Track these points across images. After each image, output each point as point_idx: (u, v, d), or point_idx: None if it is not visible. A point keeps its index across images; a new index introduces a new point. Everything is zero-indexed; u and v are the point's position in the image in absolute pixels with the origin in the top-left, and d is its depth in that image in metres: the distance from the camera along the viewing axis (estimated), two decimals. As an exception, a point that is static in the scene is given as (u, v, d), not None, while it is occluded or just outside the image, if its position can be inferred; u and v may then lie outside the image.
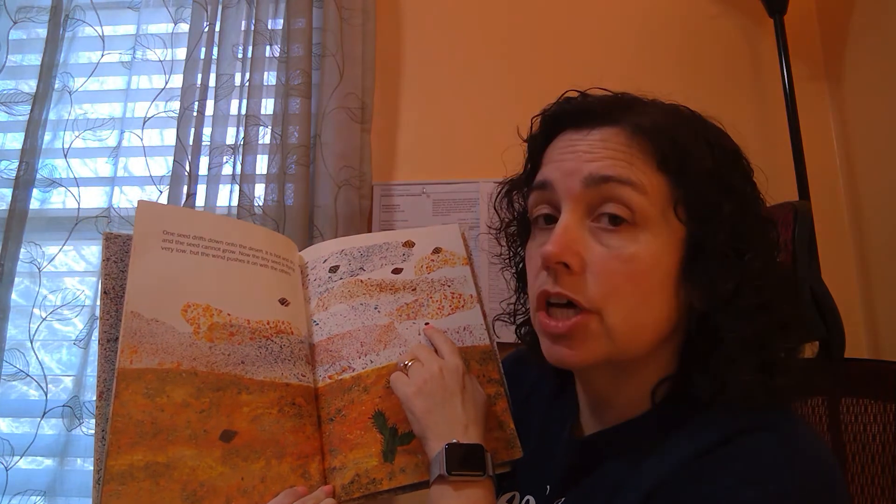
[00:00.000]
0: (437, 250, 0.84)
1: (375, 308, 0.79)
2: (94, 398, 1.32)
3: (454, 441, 0.62)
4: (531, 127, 0.65)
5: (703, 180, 0.54)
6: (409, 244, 0.84)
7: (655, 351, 0.58)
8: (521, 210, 0.68)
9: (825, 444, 0.54)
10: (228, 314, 0.70)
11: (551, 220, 0.59)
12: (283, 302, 0.76)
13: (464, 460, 0.61)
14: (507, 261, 0.74)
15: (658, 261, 0.54)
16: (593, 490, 0.59)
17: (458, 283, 0.82)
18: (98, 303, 1.39)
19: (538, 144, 0.63)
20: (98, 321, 0.66)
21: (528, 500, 0.66)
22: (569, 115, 0.60)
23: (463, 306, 0.80)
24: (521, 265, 0.71)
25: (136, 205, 0.70)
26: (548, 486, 0.64)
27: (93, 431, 1.32)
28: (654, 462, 0.54)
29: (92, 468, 0.60)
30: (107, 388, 0.63)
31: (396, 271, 0.82)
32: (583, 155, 0.56)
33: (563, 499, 0.61)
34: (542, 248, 0.56)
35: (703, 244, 0.54)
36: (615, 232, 0.55)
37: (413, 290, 0.81)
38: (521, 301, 0.73)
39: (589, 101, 0.60)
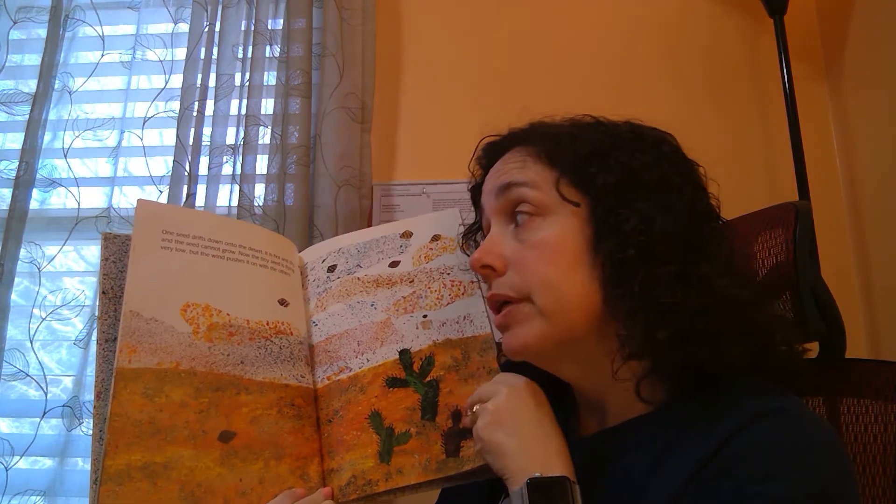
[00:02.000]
0: (435, 238, 0.81)
1: (372, 305, 0.77)
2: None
3: (536, 475, 0.55)
4: (472, 176, 0.76)
5: (580, 160, 0.62)
6: (406, 235, 0.82)
7: (607, 334, 0.60)
8: None
9: (825, 421, 0.60)
10: (228, 314, 0.70)
11: None
12: (282, 303, 0.75)
13: (547, 498, 0.55)
14: None
15: (565, 240, 0.61)
16: (608, 492, 0.59)
17: (457, 269, 0.79)
18: (98, 302, 1.39)
19: (477, 189, 0.74)
20: (97, 321, 0.66)
21: None
22: (489, 157, 0.72)
23: (463, 294, 0.77)
24: None
25: (135, 205, 0.70)
26: None
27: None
28: (672, 460, 0.54)
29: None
30: (105, 387, 0.63)
31: (394, 264, 0.80)
32: (494, 175, 0.68)
33: None
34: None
35: (593, 216, 0.61)
36: (524, 227, 0.63)
37: (411, 281, 0.78)
38: None
39: (502, 138, 0.72)
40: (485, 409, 0.61)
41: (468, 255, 0.77)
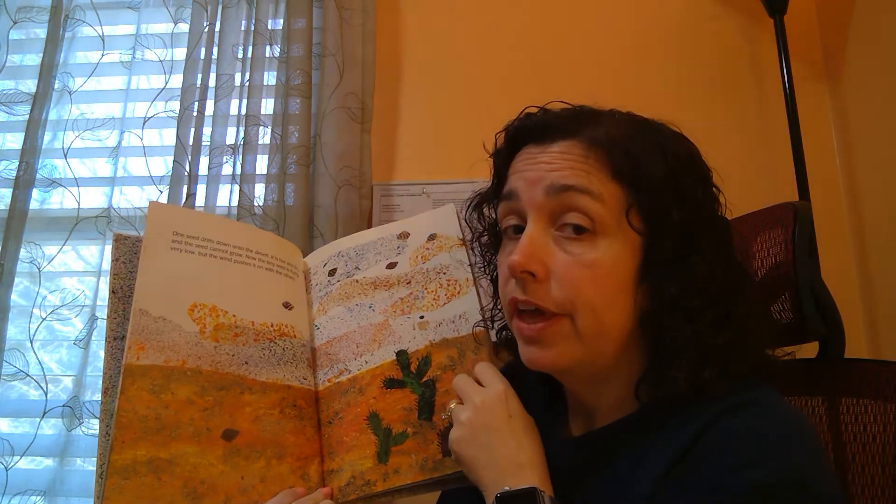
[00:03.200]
0: (432, 237, 0.81)
1: (370, 307, 0.78)
2: (94, 398, 1.31)
3: (505, 489, 0.56)
4: (496, 143, 0.68)
5: (654, 189, 0.58)
6: (403, 236, 0.82)
7: (625, 353, 0.60)
8: (493, 220, 0.71)
9: (800, 412, 0.59)
10: (234, 315, 0.71)
11: (519, 230, 0.62)
12: (286, 306, 0.77)
13: None
14: (482, 269, 0.75)
15: (617, 265, 0.58)
16: (599, 493, 0.59)
17: (453, 268, 0.78)
18: (98, 302, 1.39)
19: (503, 159, 0.67)
20: (103, 320, 0.68)
21: None
22: (529, 130, 0.64)
23: (459, 292, 0.77)
24: (495, 273, 0.72)
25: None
26: None
27: (93, 431, 1.32)
28: (655, 452, 0.55)
29: (91, 468, 0.61)
30: (112, 384, 0.64)
31: (391, 266, 0.80)
32: (544, 166, 0.60)
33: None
34: (509, 258, 0.59)
35: (655, 249, 0.58)
36: (577, 240, 0.58)
37: (408, 283, 0.79)
38: (499, 307, 0.73)
39: (548, 116, 0.64)
40: (458, 421, 0.62)
41: (468, 224, 0.75)
